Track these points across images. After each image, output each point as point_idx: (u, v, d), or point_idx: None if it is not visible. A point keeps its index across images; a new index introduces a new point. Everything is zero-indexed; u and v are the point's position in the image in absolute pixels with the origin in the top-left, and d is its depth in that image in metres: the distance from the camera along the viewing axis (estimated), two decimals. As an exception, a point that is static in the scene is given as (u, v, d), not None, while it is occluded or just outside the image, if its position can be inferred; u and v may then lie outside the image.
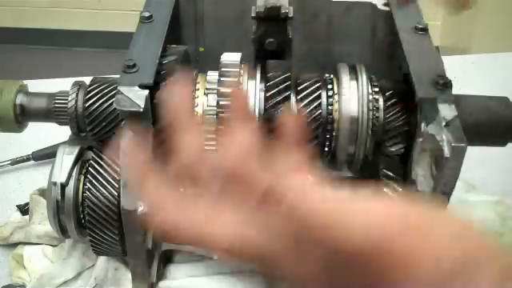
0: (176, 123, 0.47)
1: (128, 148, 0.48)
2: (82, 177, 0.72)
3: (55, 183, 0.71)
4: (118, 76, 0.65)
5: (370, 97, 0.68)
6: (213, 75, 0.70)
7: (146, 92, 0.63)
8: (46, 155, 1.05)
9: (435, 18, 2.70)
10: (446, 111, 0.61)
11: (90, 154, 0.72)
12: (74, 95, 0.72)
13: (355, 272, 0.38)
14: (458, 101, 0.63)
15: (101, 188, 0.69)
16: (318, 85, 0.70)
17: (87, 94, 0.71)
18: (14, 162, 1.05)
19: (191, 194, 0.45)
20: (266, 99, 0.68)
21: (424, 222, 0.39)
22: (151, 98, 0.64)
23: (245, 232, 0.43)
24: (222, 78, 0.68)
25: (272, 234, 0.42)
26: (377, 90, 0.69)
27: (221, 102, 0.67)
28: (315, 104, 0.69)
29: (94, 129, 0.71)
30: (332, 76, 0.71)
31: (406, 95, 0.68)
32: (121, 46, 1.06)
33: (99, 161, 0.70)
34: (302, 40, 0.83)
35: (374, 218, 0.39)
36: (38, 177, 0.99)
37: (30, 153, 1.06)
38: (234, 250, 0.43)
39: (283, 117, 0.47)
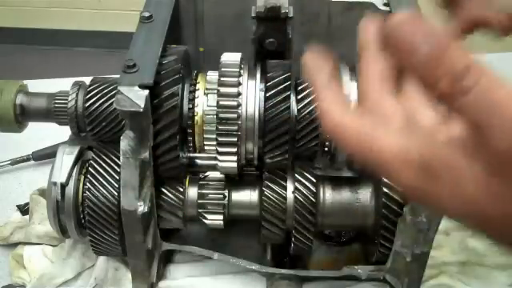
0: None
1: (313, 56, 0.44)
2: (82, 177, 0.72)
3: (55, 183, 0.71)
4: (118, 76, 0.65)
5: (370, 97, 0.68)
6: (213, 75, 0.71)
7: (146, 92, 0.63)
8: (46, 155, 1.05)
9: (435, 17, 2.71)
10: (446, 111, 0.61)
11: (90, 154, 0.72)
12: (73, 95, 0.72)
13: None
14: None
15: (101, 188, 0.69)
16: (317, 85, 0.70)
17: (87, 94, 0.71)
18: (14, 162, 1.05)
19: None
20: (266, 99, 0.68)
21: None
22: (151, 98, 0.65)
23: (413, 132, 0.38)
24: (222, 78, 0.68)
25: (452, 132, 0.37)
26: (377, 89, 0.69)
27: (221, 102, 0.67)
28: (315, 104, 0.68)
29: (94, 129, 0.71)
30: (332, 76, 0.71)
31: (406, 95, 0.68)
32: (121, 45, 1.06)
33: (99, 161, 0.70)
34: (302, 40, 0.83)
35: None
36: (38, 177, 0.99)
37: (30, 153, 1.06)
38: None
39: None
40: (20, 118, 0.74)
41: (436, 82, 0.36)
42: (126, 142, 0.63)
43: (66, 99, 0.72)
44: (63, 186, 0.71)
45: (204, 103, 0.69)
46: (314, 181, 0.71)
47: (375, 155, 0.40)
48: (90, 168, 0.71)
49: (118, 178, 0.69)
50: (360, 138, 0.40)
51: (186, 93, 0.70)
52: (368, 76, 0.43)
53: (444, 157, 0.37)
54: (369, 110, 0.41)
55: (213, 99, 0.69)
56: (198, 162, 0.76)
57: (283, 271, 0.75)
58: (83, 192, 0.71)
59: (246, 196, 0.75)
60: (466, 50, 0.37)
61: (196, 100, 0.70)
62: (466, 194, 0.36)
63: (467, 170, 0.36)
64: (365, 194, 0.73)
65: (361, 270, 0.73)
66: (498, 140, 0.34)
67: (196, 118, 0.70)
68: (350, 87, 0.68)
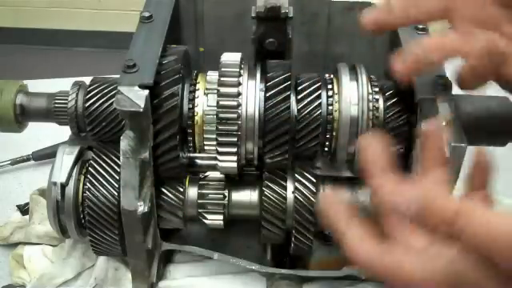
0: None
1: (328, 199, 0.52)
2: (82, 177, 0.72)
3: (55, 183, 0.71)
4: (118, 76, 0.65)
5: (370, 97, 0.68)
6: (213, 75, 0.71)
7: (146, 92, 0.63)
8: (46, 155, 1.05)
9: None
10: (446, 111, 0.61)
11: (90, 154, 0.72)
12: (73, 95, 0.72)
13: None
14: (458, 101, 0.64)
15: (101, 188, 0.69)
16: (317, 85, 0.70)
17: (87, 94, 0.71)
18: (14, 162, 1.05)
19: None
20: (266, 99, 0.68)
21: None
22: (151, 98, 0.65)
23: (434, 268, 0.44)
24: (222, 78, 0.68)
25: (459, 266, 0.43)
26: (377, 89, 0.69)
27: (221, 102, 0.67)
28: (315, 104, 0.69)
29: (94, 129, 0.71)
30: (332, 76, 0.71)
31: (406, 95, 0.68)
32: (121, 46, 1.06)
33: (99, 161, 0.70)
34: (302, 40, 0.83)
35: None
36: (38, 177, 0.99)
37: (30, 153, 1.06)
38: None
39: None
40: (20, 117, 0.74)
41: (432, 229, 0.43)
42: (126, 142, 0.63)
43: (66, 99, 0.72)
44: (63, 186, 0.71)
45: (204, 103, 0.69)
46: (314, 181, 0.71)
47: (403, 281, 0.45)
48: (90, 168, 0.71)
49: (118, 178, 0.69)
50: (388, 270, 0.46)
51: (186, 93, 0.70)
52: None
53: (463, 276, 0.42)
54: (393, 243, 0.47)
55: (213, 99, 0.69)
56: (198, 161, 0.76)
57: (283, 271, 0.75)
58: (83, 192, 0.71)
59: (246, 196, 0.75)
60: (450, 195, 0.45)
61: (196, 100, 0.70)
62: None
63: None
64: (365, 194, 0.73)
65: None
66: (504, 263, 0.40)
67: (196, 117, 0.70)
68: (350, 87, 0.68)
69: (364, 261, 0.47)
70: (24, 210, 0.93)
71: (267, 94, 0.68)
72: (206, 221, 0.74)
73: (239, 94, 0.67)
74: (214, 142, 0.68)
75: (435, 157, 0.51)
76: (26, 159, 1.06)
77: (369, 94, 0.68)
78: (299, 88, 0.70)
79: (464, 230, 0.41)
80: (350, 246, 0.48)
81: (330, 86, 0.70)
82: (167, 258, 0.80)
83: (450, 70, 0.66)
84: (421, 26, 0.72)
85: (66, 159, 0.72)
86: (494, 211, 0.43)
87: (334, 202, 0.51)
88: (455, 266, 0.43)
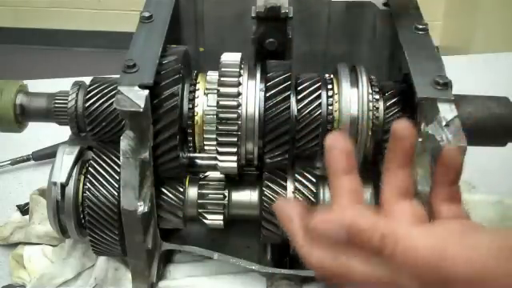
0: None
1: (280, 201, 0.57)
2: (82, 177, 0.72)
3: (55, 183, 0.71)
4: (118, 76, 0.65)
5: (370, 97, 0.68)
6: (213, 75, 0.71)
7: (146, 92, 0.63)
8: (46, 155, 1.05)
9: (435, 18, 2.70)
10: (446, 111, 0.61)
11: (90, 154, 0.72)
12: (74, 95, 0.72)
13: None
14: (458, 101, 0.64)
15: (101, 188, 0.69)
16: (317, 85, 0.70)
17: (87, 94, 0.71)
18: (14, 162, 1.05)
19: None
20: (266, 99, 0.68)
21: None
22: (151, 98, 0.65)
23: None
24: (222, 78, 0.68)
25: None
26: (377, 90, 0.69)
27: (221, 102, 0.67)
28: (315, 104, 0.69)
29: (94, 129, 0.71)
30: (332, 76, 0.71)
31: (406, 95, 0.68)
32: (121, 46, 1.06)
33: (99, 161, 0.70)
34: (302, 40, 0.83)
35: (477, 252, 0.46)
36: (38, 177, 0.99)
37: (30, 153, 1.06)
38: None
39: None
40: (20, 117, 0.74)
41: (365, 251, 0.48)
42: (126, 142, 0.63)
43: (66, 99, 0.72)
44: (63, 186, 0.71)
45: (204, 103, 0.69)
46: (314, 181, 0.71)
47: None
48: (90, 168, 0.71)
49: (118, 178, 0.69)
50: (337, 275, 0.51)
51: (186, 93, 0.70)
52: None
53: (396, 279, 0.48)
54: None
55: (213, 99, 0.69)
56: (198, 162, 0.76)
57: (283, 271, 0.75)
58: (83, 192, 0.71)
59: (246, 196, 0.75)
60: (375, 219, 0.49)
61: (196, 100, 0.70)
62: None
63: None
64: (365, 194, 0.73)
65: (361, 269, 0.72)
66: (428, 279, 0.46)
67: (196, 117, 0.70)
68: (350, 87, 0.68)
69: (316, 263, 0.52)
70: (24, 210, 0.93)
71: (267, 94, 0.68)
72: (206, 221, 0.74)
73: (239, 94, 0.67)
74: (214, 142, 0.68)
75: (399, 158, 0.53)
76: (26, 159, 1.06)
77: (369, 94, 0.68)
78: (299, 88, 0.70)
79: (392, 257, 0.47)
80: (303, 250, 0.53)
81: (329, 86, 0.70)
82: (167, 258, 0.80)
83: (450, 69, 0.66)
84: (420, 26, 0.72)
85: (65, 159, 0.72)
86: (418, 229, 0.48)
87: (286, 205, 0.55)
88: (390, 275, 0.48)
